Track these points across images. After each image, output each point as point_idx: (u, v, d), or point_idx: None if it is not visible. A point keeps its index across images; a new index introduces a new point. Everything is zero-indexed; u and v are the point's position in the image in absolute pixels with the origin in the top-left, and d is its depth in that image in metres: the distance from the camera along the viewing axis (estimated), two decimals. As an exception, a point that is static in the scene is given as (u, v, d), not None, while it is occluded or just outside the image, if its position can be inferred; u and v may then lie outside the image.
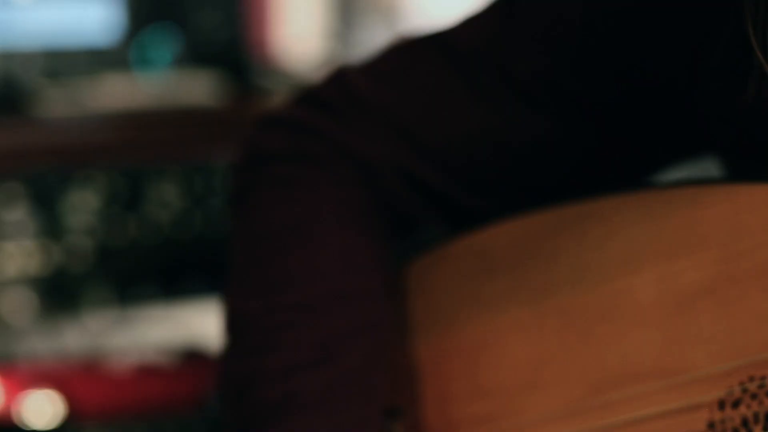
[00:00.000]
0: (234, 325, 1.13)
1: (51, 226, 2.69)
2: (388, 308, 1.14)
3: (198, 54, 2.94)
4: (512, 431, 1.09)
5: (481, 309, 1.10)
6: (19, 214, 2.67)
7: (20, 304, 2.68)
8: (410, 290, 1.16)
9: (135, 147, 2.77)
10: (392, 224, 1.15)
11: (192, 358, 2.73)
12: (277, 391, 1.08)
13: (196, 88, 2.89)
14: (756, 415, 0.95)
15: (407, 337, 1.15)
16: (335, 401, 1.08)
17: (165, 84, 2.93)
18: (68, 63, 2.86)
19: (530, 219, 1.07)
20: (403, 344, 1.15)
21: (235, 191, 1.16)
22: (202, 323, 2.77)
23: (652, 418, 1.00)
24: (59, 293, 2.71)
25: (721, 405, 0.96)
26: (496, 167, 1.11)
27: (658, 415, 1.00)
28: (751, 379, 0.95)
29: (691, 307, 0.98)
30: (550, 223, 1.06)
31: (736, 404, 0.96)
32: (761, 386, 0.95)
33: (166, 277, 2.81)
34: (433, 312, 1.14)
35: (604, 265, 1.04)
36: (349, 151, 1.12)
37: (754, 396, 0.95)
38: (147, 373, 2.66)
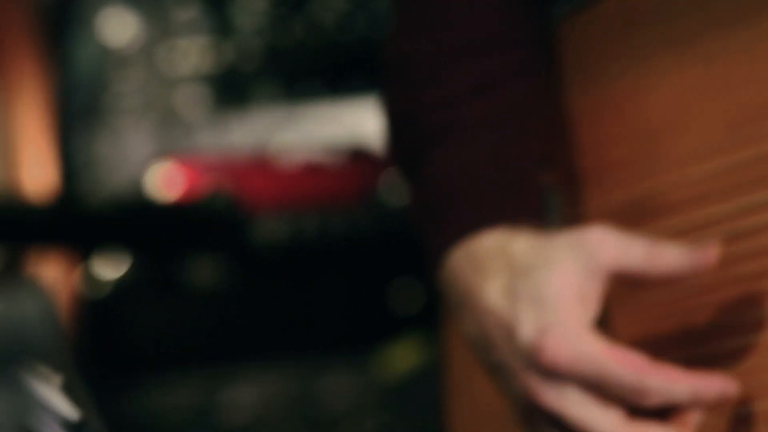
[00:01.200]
0: (398, 64, 1.23)
1: (222, 25, 2.78)
2: (543, 59, 1.22)
3: None
4: (658, 169, 1.14)
5: (630, 61, 1.17)
6: (192, 12, 2.75)
7: (193, 100, 2.77)
8: (563, 46, 1.23)
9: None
10: None
11: (357, 155, 2.84)
12: (440, 118, 1.19)
13: None
14: None
15: (560, 89, 1.22)
16: (494, 130, 1.18)
17: None
18: None
19: None
20: (557, 95, 1.23)
21: None
22: (366, 121, 2.88)
23: None
24: (230, 90, 2.79)
25: None
26: None
27: None
28: None
29: None
30: None
31: None
32: None
33: (331, 76, 2.87)
34: (584, 66, 1.21)
35: (747, 10, 1.09)
36: None
37: None
38: (314, 169, 2.78)
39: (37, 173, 2.58)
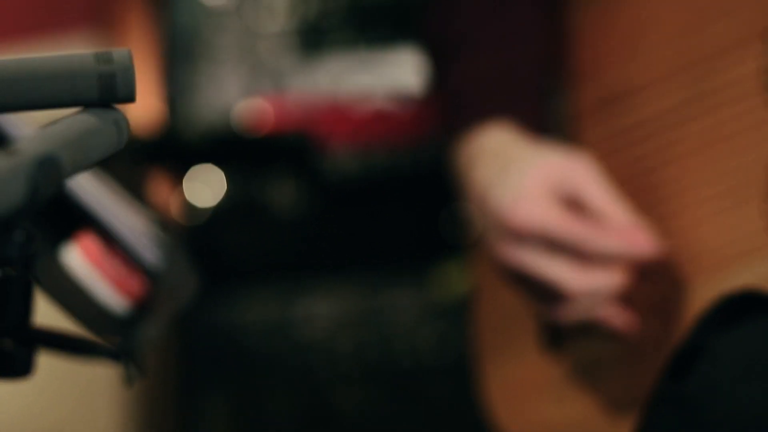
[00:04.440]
0: None
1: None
2: None
3: None
4: (633, 58, 1.21)
5: None
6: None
7: (279, 51, 2.91)
8: None
9: None
10: None
11: (421, 101, 2.92)
12: (460, 35, 1.31)
13: None
14: None
15: (564, 6, 1.33)
16: (504, 46, 1.30)
17: None
18: None
19: None
20: (561, 12, 1.33)
21: None
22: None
23: None
24: (311, 43, 2.92)
25: None
26: None
27: None
28: None
29: None
30: None
31: None
32: None
33: (402, 27, 2.96)
34: None
35: None
36: None
37: None
38: (383, 114, 2.87)
39: (144, 112, 2.77)
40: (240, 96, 2.83)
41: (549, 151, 1.21)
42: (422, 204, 2.89)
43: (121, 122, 0.78)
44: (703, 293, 1.15)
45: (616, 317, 1.19)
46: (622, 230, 1.17)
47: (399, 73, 2.94)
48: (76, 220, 0.90)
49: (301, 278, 2.79)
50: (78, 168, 0.71)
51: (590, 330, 1.23)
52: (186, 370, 2.78)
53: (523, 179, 1.21)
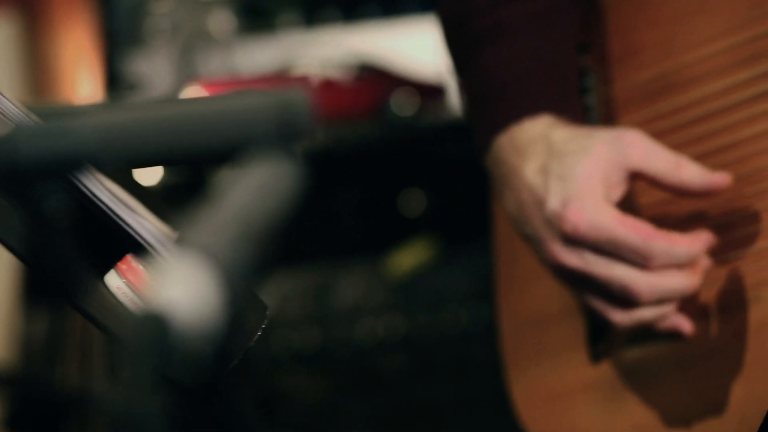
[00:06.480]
0: None
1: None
2: None
3: None
4: (679, 49, 1.19)
5: None
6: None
7: (222, 25, 2.91)
8: None
9: None
10: None
11: (367, 70, 2.97)
12: (489, 20, 1.25)
13: None
14: None
15: None
16: (536, 28, 1.24)
17: None
18: None
19: None
20: None
21: None
22: (376, 44, 2.98)
23: None
24: (254, 17, 2.92)
25: None
26: None
27: None
28: None
29: None
30: None
31: None
32: None
33: (345, 4, 2.98)
34: None
35: None
36: None
37: None
38: (328, 86, 2.90)
39: (85, 90, 2.72)
40: (181, 79, 2.82)
41: (601, 135, 1.16)
42: (370, 182, 2.91)
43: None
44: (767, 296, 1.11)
45: (683, 321, 1.15)
46: (690, 233, 1.12)
47: (345, 49, 2.97)
48: (118, 243, 0.83)
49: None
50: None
51: (641, 335, 1.19)
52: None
53: (578, 170, 1.15)
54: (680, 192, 1.13)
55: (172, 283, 0.55)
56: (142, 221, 0.82)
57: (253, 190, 0.64)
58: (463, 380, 2.82)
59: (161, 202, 0.89)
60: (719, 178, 1.12)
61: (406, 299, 2.85)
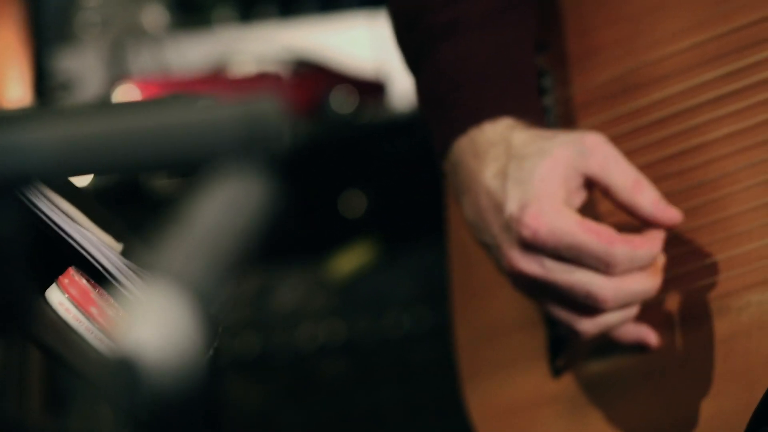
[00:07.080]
0: None
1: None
2: None
3: None
4: (640, 49, 1.18)
5: None
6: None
7: (155, 21, 2.88)
8: None
9: None
10: None
11: (305, 69, 2.94)
12: (444, 16, 1.22)
13: None
14: None
15: None
16: (494, 24, 1.22)
17: None
18: None
19: None
20: None
21: None
22: (314, 40, 2.96)
23: None
24: (189, 12, 2.89)
25: None
26: None
27: None
28: None
29: None
30: None
31: None
32: None
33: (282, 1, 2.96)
34: None
35: None
36: None
37: None
38: (265, 79, 2.88)
39: (14, 90, 2.64)
40: (113, 69, 2.78)
41: (562, 137, 1.11)
42: (310, 182, 2.88)
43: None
44: (740, 303, 1.08)
45: (648, 332, 1.10)
46: (649, 234, 1.08)
47: (281, 45, 2.95)
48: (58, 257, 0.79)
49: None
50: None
51: (604, 347, 1.14)
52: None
53: (536, 173, 1.11)
54: (629, 211, 1.10)
55: (144, 318, 0.51)
56: (100, 247, 0.77)
57: (222, 208, 0.60)
58: (405, 385, 2.80)
59: (99, 206, 0.86)
60: (670, 215, 1.10)
61: (346, 303, 2.82)
